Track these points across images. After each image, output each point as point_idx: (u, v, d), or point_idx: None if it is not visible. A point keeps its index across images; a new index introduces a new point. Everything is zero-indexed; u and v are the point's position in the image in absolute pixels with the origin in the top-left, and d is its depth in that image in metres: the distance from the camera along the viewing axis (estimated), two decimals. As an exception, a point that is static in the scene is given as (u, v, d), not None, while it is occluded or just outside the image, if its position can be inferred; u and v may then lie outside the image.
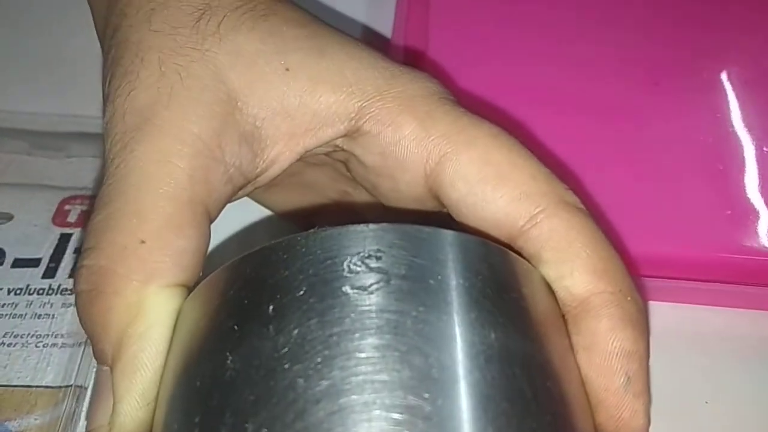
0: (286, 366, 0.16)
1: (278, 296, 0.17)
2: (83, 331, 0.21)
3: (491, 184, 0.21)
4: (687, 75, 0.34)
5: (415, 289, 0.17)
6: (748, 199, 0.31)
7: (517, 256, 0.20)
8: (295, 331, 0.17)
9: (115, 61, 0.23)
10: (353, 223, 0.18)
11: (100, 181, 0.22)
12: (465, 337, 0.17)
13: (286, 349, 0.16)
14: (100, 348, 0.20)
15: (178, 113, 0.21)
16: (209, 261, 0.22)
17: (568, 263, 0.20)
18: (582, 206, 0.21)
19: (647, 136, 0.32)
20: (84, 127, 0.34)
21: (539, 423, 0.17)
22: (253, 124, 0.22)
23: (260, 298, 0.18)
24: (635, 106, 0.33)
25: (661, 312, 0.30)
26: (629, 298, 0.20)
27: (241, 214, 0.30)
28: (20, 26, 0.37)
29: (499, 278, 0.19)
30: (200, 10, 0.23)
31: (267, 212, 0.31)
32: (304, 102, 0.22)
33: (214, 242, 0.22)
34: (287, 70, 0.22)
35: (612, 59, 0.35)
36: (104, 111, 0.23)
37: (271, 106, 0.22)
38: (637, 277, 0.29)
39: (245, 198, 0.26)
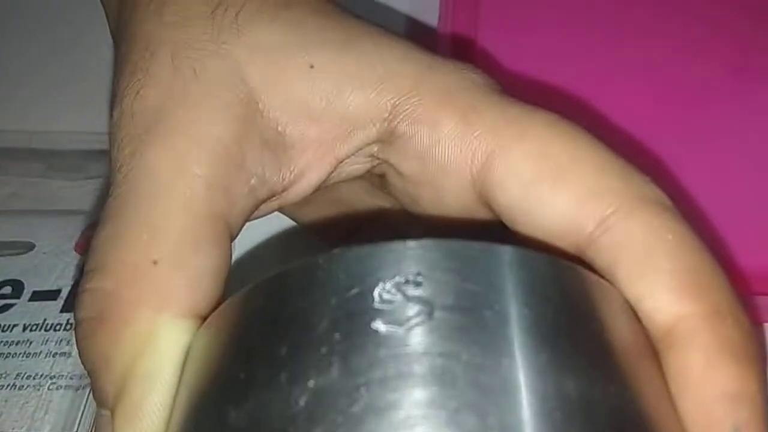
0: (301, 428, 0.13)
1: (293, 335, 0.14)
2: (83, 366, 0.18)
3: (549, 183, 0.18)
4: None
5: (466, 323, 0.14)
6: None
7: (594, 274, 0.16)
8: (313, 381, 0.13)
9: (124, 57, 0.21)
10: (390, 240, 0.15)
11: (105, 195, 0.19)
12: (534, 388, 0.13)
13: (301, 405, 0.13)
14: (100, 387, 0.18)
15: (194, 113, 0.19)
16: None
17: (647, 280, 0.16)
18: (669, 203, 0.18)
19: (743, 123, 0.28)
20: (104, 145, 0.31)
21: None
22: (276, 128, 0.20)
23: (272, 337, 0.14)
24: (723, 90, 0.29)
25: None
26: (730, 321, 0.16)
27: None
28: (34, 42, 0.37)
29: (575, 306, 0.15)
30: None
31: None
32: (331, 104, 0.20)
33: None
34: (311, 66, 0.20)
35: (690, 40, 0.31)
36: (110, 114, 0.20)
37: (295, 108, 0.20)
38: (748, 295, 0.24)
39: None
